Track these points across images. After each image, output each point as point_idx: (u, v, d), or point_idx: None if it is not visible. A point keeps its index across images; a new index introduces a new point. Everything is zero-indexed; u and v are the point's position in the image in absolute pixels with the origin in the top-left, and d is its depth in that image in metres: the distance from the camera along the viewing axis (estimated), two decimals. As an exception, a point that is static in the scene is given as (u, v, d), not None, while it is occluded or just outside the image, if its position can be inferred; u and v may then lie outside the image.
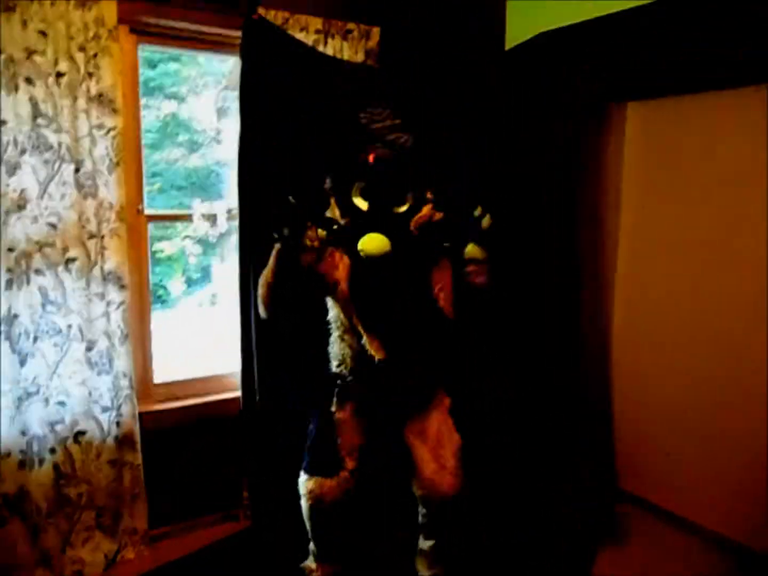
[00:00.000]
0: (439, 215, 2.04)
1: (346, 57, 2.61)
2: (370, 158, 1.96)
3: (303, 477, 2.16)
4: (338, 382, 2.12)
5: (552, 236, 2.48)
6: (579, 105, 2.24)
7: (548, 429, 2.54)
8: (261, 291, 2.03)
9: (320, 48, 2.55)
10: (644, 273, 2.77)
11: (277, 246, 1.95)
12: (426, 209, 2.02)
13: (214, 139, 4.79)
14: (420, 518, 2.23)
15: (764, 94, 2.11)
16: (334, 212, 2.04)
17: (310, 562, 2.29)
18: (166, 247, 4.44)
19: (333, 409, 2.13)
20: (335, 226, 1.97)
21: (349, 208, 2.00)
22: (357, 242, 1.92)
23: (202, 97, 4.58)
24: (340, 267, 2.00)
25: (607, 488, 2.93)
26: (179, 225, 4.51)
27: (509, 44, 2.32)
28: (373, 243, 1.90)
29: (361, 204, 1.98)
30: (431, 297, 2.05)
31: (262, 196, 2.37)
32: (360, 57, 2.64)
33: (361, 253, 1.91)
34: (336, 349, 2.11)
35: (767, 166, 2.19)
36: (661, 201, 2.66)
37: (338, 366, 2.11)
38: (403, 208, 1.99)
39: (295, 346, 2.42)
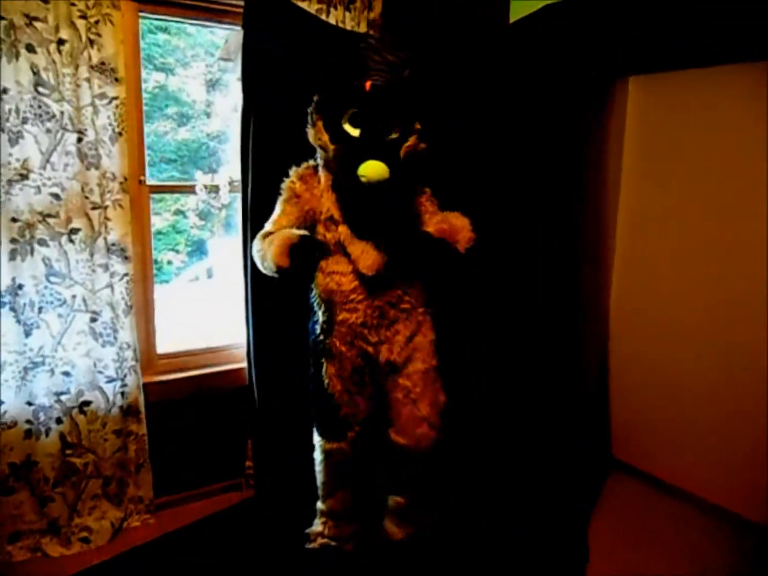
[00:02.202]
0: (423, 146, 2.08)
1: (348, 27, 2.60)
2: (366, 85, 1.95)
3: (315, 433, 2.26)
4: (320, 347, 2.15)
5: (552, 212, 2.51)
6: (582, 79, 2.26)
7: (544, 399, 2.60)
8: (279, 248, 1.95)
9: (322, 17, 2.53)
10: (644, 249, 2.84)
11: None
12: (412, 139, 2.03)
13: (204, 111, 4.74)
14: (390, 471, 2.27)
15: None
16: (322, 136, 2.03)
17: (316, 527, 2.34)
18: (156, 221, 4.41)
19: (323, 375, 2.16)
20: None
21: (338, 134, 2.00)
22: (349, 167, 1.93)
23: (191, 69, 4.52)
24: (325, 195, 2.07)
25: (601, 457, 3.03)
26: (170, 199, 4.49)
27: (513, 17, 2.33)
28: (374, 169, 1.90)
29: (351, 130, 1.99)
30: (417, 224, 2.13)
31: (265, 168, 2.37)
32: (362, 28, 2.64)
33: (362, 179, 1.91)
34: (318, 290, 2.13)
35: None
36: (662, 179, 2.72)
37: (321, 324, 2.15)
38: (393, 137, 2.00)
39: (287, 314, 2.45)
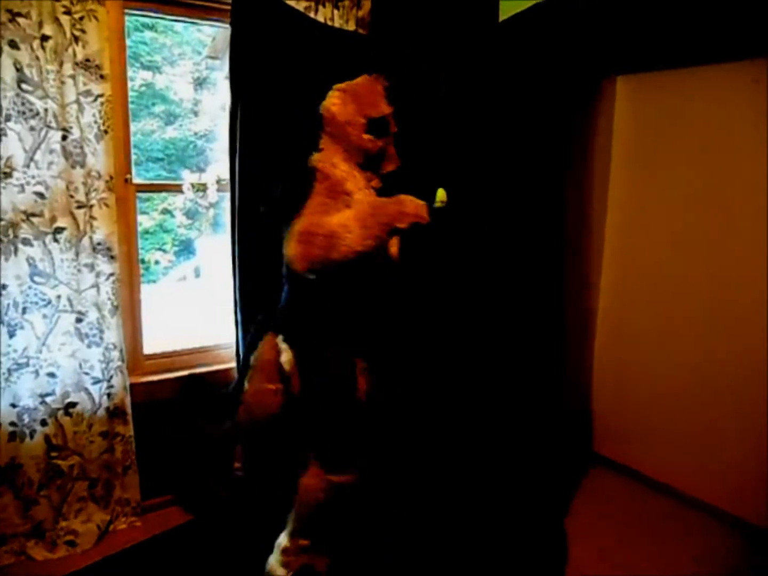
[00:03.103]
0: None
1: (337, 25, 2.58)
2: None
3: None
4: None
5: (535, 209, 2.51)
6: (571, 78, 2.26)
7: (524, 393, 2.60)
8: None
9: (311, 15, 2.52)
10: (633, 246, 2.85)
11: None
12: None
13: (191, 110, 4.70)
14: None
15: (762, 67, 2.15)
16: None
17: None
18: (144, 221, 4.38)
19: None
20: None
21: None
22: None
23: (179, 67, 4.49)
24: None
25: (581, 451, 3.05)
26: (157, 199, 4.46)
27: (503, 15, 2.33)
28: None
29: None
30: None
31: (253, 167, 2.35)
32: (351, 26, 2.62)
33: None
34: None
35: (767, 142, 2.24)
36: (651, 178, 2.73)
37: None
38: None
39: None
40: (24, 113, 2.11)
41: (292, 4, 2.45)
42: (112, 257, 2.34)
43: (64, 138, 2.18)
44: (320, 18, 2.55)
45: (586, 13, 2.10)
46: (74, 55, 2.15)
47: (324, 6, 2.55)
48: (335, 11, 2.58)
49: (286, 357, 1.98)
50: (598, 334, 3.04)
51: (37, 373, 2.25)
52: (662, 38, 1.99)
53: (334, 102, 1.99)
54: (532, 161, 2.39)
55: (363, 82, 2.03)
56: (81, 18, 2.15)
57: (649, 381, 2.82)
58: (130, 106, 2.49)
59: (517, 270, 2.53)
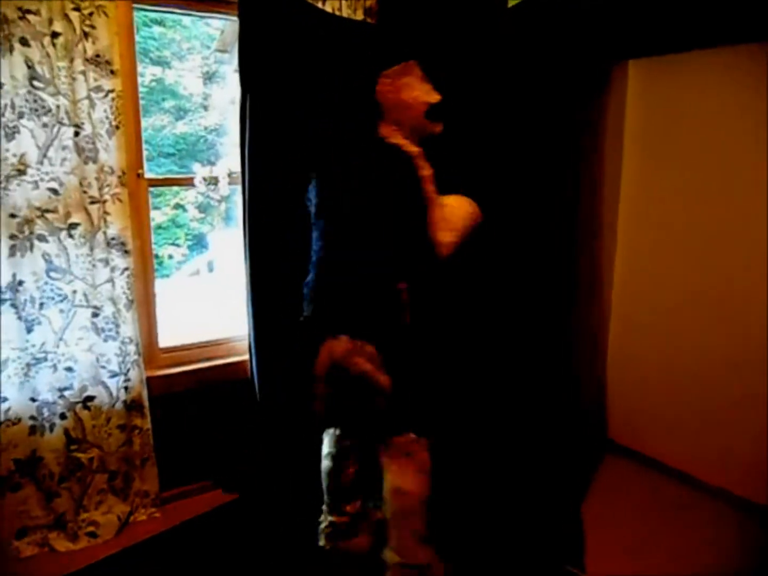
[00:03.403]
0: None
1: (344, 15, 2.57)
2: None
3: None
4: None
5: (547, 199, 2.49)
6: (582, 64, 2.23)
7: (539, 382, 2.60)
8: None
9: (318, 6, 2.51)
10: (646, 235, 2.83)
11: None
12: None
13: (201, 104, 4.71)
14: None
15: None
16: None
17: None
18: (156, 216, 4.40)
19: None
20: None
21: None
22: None
23: (188, 62, 4.49)
24: None
25: (596, 438, 3.04)
26: (169, 194, 4.48)
27: (512, 1, 2.31)
28: None
29: None
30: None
31: (265, 161, 2.36)
32: (359, 15, 2.61)
33: None
34: None
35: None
36: (664, 165, 2.70)
37: None
38: None
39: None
40: (36, 110, 2.12)
41: (300, -6, 2.44)
42: (126, 252, 2.36)
43: (76, 134, 2.19)
44: (328, 8, 2.53)
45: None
46: (84, 51, 2.16)
47: (332, -4, 2.54)
48: (343, 1, 2.56)
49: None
50: (612, 323, 3.02)
51: (55, 367, 2.28)
52: (675, 19, 1.96)
53: (389, 89, 2.00)
54: (543, 151, 2.37)
55: (406, 69, 2.03)
56: (90, 14, 2.16)
57: (662, 368, 2.80)
58: (141, 102, 2.50)
59: (531, 264, 2.52)
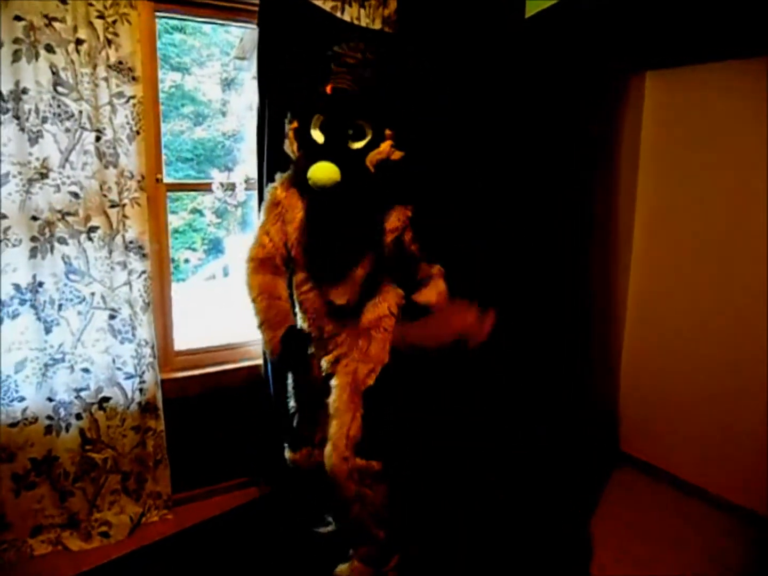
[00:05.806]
0: (398, 154, 1.93)
1: (363, 24, 2.60)
2: (328, 89, 1.85)
3: None
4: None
5: (562, 207, 2.50)
6: (598, 75, 2.24)
7: (551, 392, 2.59)
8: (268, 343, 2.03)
9: (337, 15, 2.53)
10: (661, 244, 2.82)
11: None
12: (384, 146, 1.90)
13: (220, 110, 4.76)
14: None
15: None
16: (291, 146, 1.98)
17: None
18: (173, 220, 4.45)
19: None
20: None
21: (305, 141, 1.91)
22: (303, 173, 1.84)
23: (207, 69, 4.55)
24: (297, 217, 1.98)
25: (607, 450, 3.02)
26: (186, 198, 4.52)
27: (529, 12, 2.32)
28: (321, 171, 1.78)
29: (318, 137, 1.89)
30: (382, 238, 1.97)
31: (281, 166, 2.38)
32: (377, 24, 2.63)
33: (309, 182, 1.81)
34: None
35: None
36: (681, 174, 2.69)
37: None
38: (360, 144, 1.88)
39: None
40: (59, 115, 2.17)
41: (319, 3, 2.47)
42: (143, 255, 2.39)
43: (97, 139, 2.23)
44: (347, 17, 2.56)
45: (612, 8, 2.08)
46: (107, 57, 2.21)
47: (350, 5, 2.56)
48: (362, 10, 2.59)
49: None
50: (627, 333, 3.01)
51: (72, 368, 2.31)
52: (691, 32, 1.96)
53: None
54: (559, 162, 2.38)
55: None
56: (114, 21, 2.20)
57: (675, 381, 2.79)
58: (161, 107, 2.54)
59: (545, 277, 2.52)
